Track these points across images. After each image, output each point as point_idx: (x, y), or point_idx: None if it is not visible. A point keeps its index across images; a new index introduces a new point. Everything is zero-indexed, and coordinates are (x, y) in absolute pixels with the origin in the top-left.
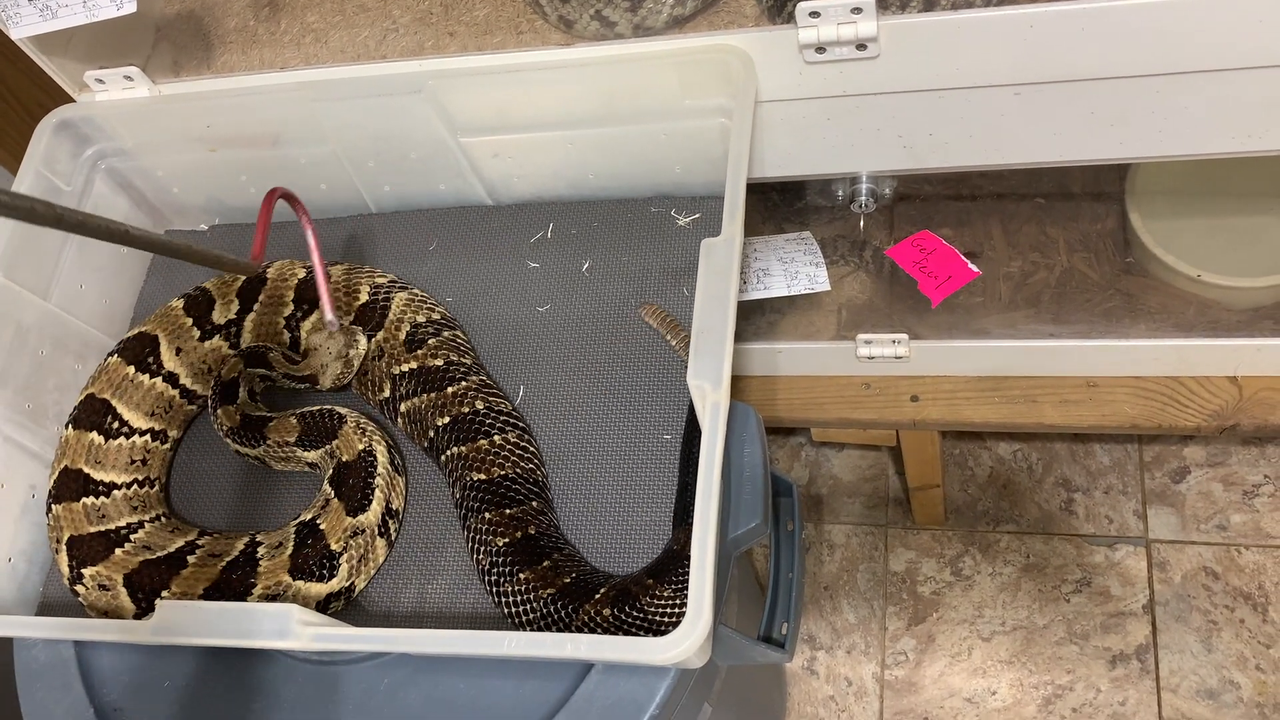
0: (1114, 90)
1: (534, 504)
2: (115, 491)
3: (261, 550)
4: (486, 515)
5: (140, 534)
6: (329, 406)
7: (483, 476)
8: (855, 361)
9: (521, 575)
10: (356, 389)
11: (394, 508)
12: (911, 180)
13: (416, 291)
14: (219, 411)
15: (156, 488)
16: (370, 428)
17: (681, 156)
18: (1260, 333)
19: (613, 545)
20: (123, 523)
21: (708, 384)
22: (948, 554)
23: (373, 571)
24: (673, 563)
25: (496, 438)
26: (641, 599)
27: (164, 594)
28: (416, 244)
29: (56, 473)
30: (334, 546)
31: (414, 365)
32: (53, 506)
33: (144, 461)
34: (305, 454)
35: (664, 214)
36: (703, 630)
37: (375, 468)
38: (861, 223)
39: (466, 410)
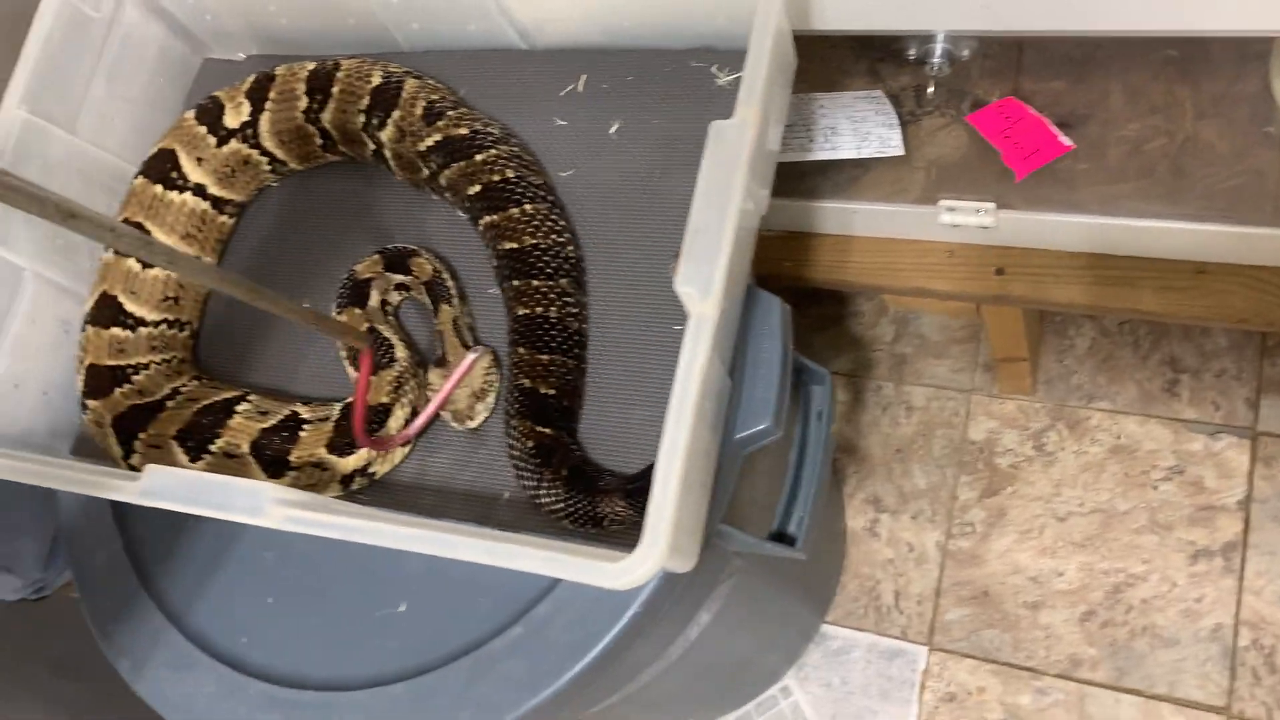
0: None
1: (563, 281)
2: (141, 329)
3: (243, 405)
4: (521, 350)
5: (140, 376)
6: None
7: (514, 245)
8: (939, 228)
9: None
10: (400, 176)
11: None
12: None
13: (429, 80)
14: (341, 314)
15: (186, 332)
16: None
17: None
18: None
19: (609, 436)
20: (133, 362)
21: (695, 291)
22: (1032, 427)
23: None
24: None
25: (528, 206)
26: (600, 502)
27: (140, 435)
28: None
29: (96, 294)
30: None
31: (439, 138)
32: (87, 327)
33: (177, 300)
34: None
35: (704, 69)
36: (655, 561)
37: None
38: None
39: (497, 179)
